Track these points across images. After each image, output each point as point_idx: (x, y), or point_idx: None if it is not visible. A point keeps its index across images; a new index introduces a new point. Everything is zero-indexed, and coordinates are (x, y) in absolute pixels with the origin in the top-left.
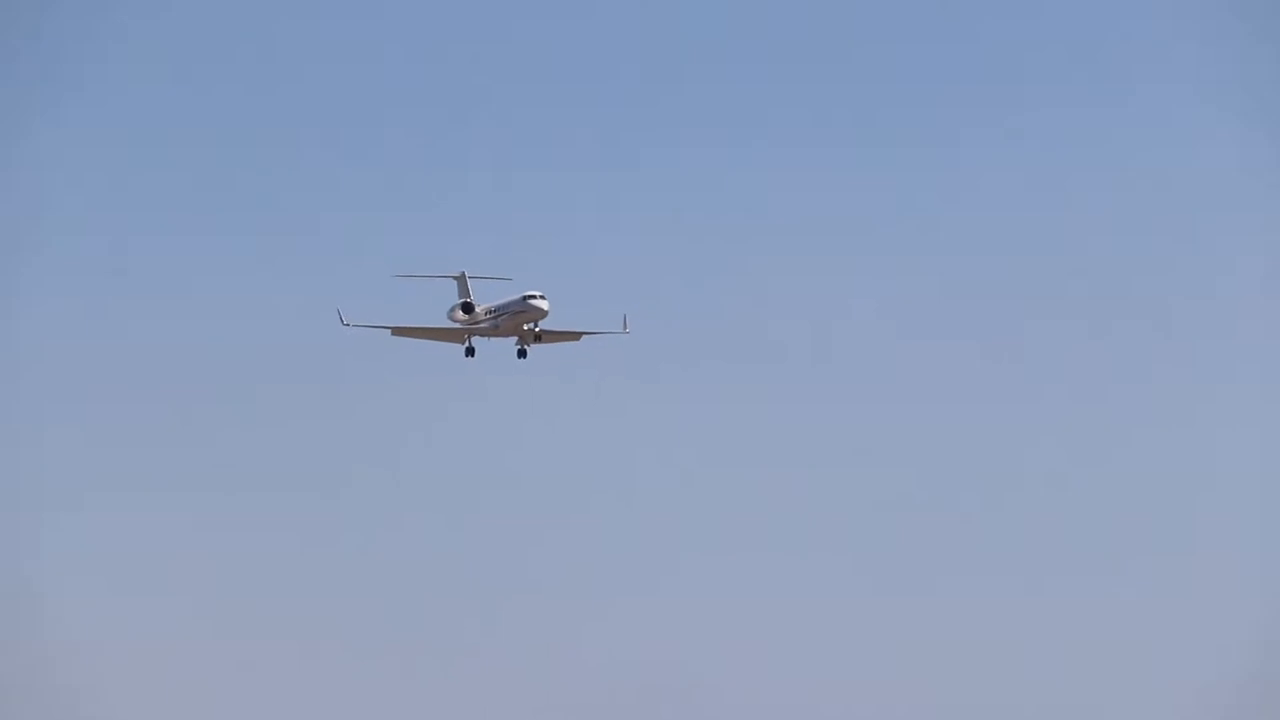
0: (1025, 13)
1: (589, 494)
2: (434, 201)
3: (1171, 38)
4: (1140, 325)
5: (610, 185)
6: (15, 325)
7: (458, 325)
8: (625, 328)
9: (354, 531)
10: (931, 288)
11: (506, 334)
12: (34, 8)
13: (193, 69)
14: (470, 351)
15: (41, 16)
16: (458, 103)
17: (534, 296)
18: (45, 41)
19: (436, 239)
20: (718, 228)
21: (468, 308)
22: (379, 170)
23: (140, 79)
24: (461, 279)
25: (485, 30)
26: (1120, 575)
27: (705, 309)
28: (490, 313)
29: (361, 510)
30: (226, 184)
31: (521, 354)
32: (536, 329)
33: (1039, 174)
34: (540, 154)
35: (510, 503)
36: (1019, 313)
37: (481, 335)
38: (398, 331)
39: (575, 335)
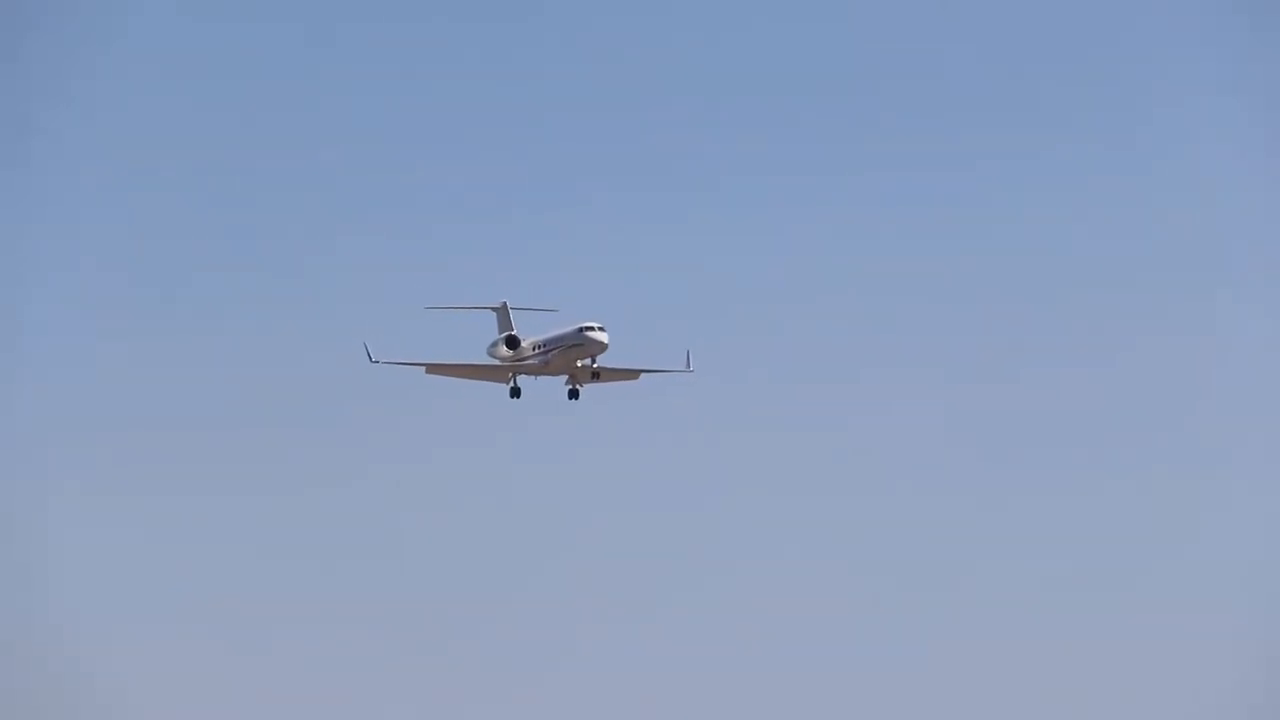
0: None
1: (657, 559)
2: (466, 228)
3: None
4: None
5: (657, 212)
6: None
7: (501, 362)
8: (689, 365)
9: (385, 598)
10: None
11: (557, 371)
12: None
13: (203, 84)
14: (516, 392)
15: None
16: (495, 122)
17: (592, 328)
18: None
19: (470, 267)
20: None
21: (512, 342)
22: (406, 194)
23: (148, 93)
24: (502, 310)
25: (516, 49)
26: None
27: (771, 343)
28: (539, 347)
29: (395, 571)
30: (237, 204)
31: (573, 394)
32: (594, 365)
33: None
34: (580, 181)
35: (565, 567)
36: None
37: (528, 373)
38: (433, 369)
39: (633, 374)
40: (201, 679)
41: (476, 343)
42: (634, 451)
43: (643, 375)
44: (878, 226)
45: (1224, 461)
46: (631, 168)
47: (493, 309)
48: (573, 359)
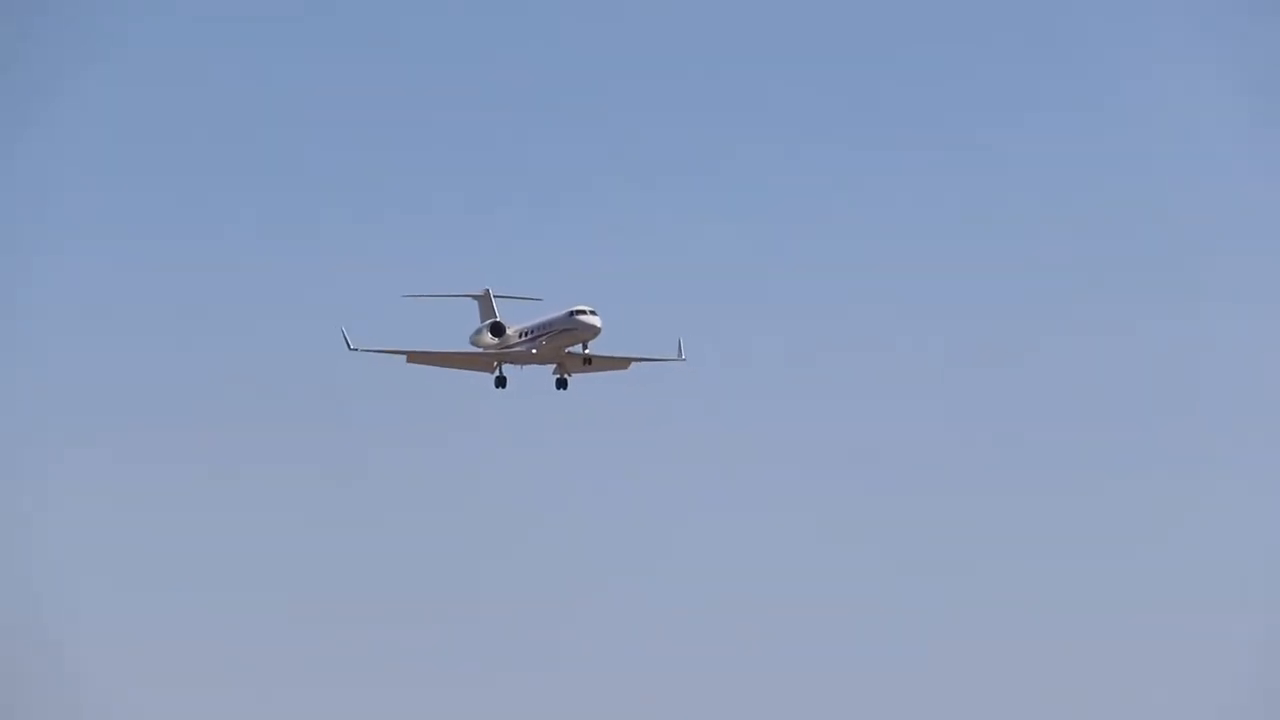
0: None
1: (648, 554)
2: (440, 213)
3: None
4: None
5: (642, 196)
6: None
7: (486, 351)
8: (681, 354)
9: (368, 593)
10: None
11: (545, 360)
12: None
13: (185, 66)
14: (501, 381)
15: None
16: (469, 104)
17: (584, 311)
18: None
19: (445, 255)
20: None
21: (497, 329)
22: (380, 176)
23: (134, 77)
24: (485, 298)
25: (499, 32)
26: None
27: (765, 329)
28: (527, 334)
29: (377, 565)
30: (213, 184)
31: (561, 384)
32: (586, 351)
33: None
34: (565, 163)
35: (555, 563)
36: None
37: (515, 362)
38: (414, 358)
39: (624, 362)
40: (190, 673)
41: (456, 332)
42: (626, 443)
43: (633, 364)
44: (875, 212)
45: (1230, 462)
46: (616, 153)
47: (474, 296)
48: (563, 345)
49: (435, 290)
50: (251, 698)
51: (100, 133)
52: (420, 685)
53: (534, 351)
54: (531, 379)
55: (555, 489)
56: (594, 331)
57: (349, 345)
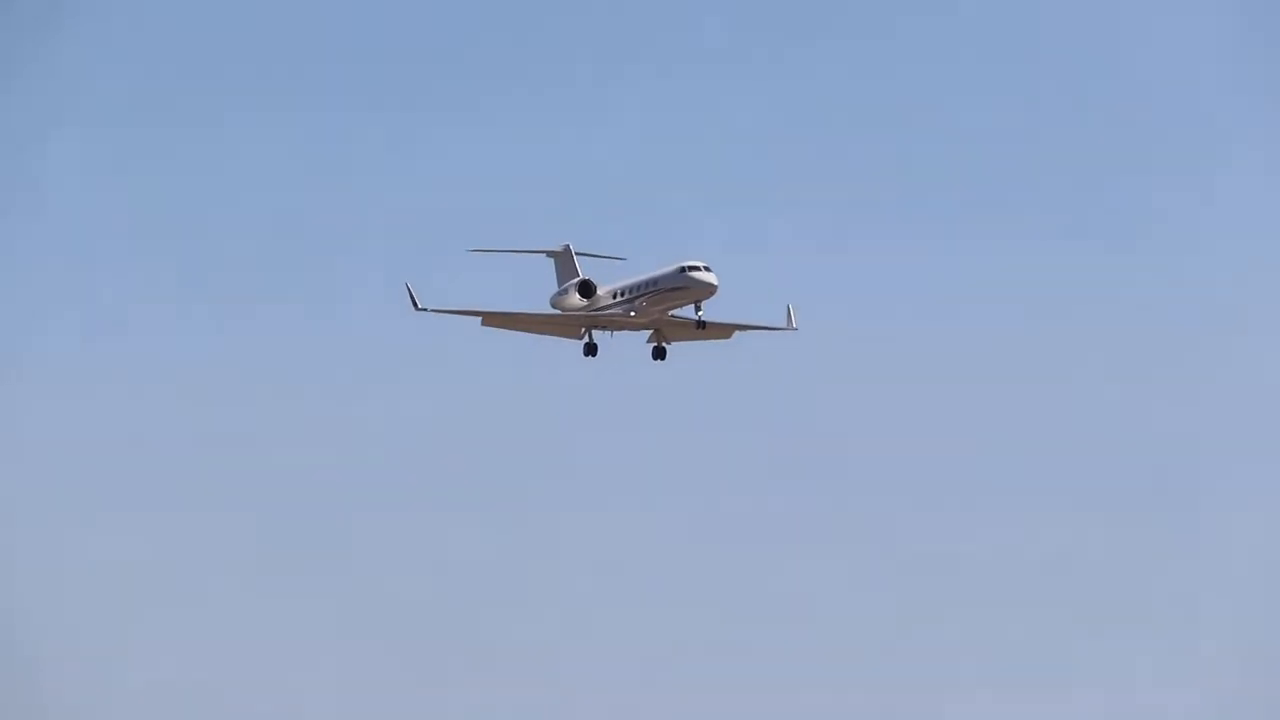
0: None
1: (771, 539)
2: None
3: None
4: None
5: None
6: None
7: (573, 313)
8: (792, 322)
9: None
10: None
11: (643, 325)
12: None
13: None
14: (591, 349)
15: None
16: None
17: (697, 268)
18: None
19: (508, 204)
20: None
21: (587, 289)
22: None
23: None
24: (564, 254)
25: None
26: None
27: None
28: (622, 294)
29: (453, 569)
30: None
31: (660, 353)
32: (700, 314)
33: None
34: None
35: (655, 551)
36: None
37: (606, 326)
38: (491, 320)
39: (727, 330)
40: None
41: (531, 294)
42: (738, 419)
43: (737, 333)
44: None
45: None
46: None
47: (551, 253)
48: (669, 307)
49: (506, 245)
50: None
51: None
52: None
53: (633, 314)
54: (624, 346)
55: (660, 473)
56: (710, 290)
57: (415, 304)
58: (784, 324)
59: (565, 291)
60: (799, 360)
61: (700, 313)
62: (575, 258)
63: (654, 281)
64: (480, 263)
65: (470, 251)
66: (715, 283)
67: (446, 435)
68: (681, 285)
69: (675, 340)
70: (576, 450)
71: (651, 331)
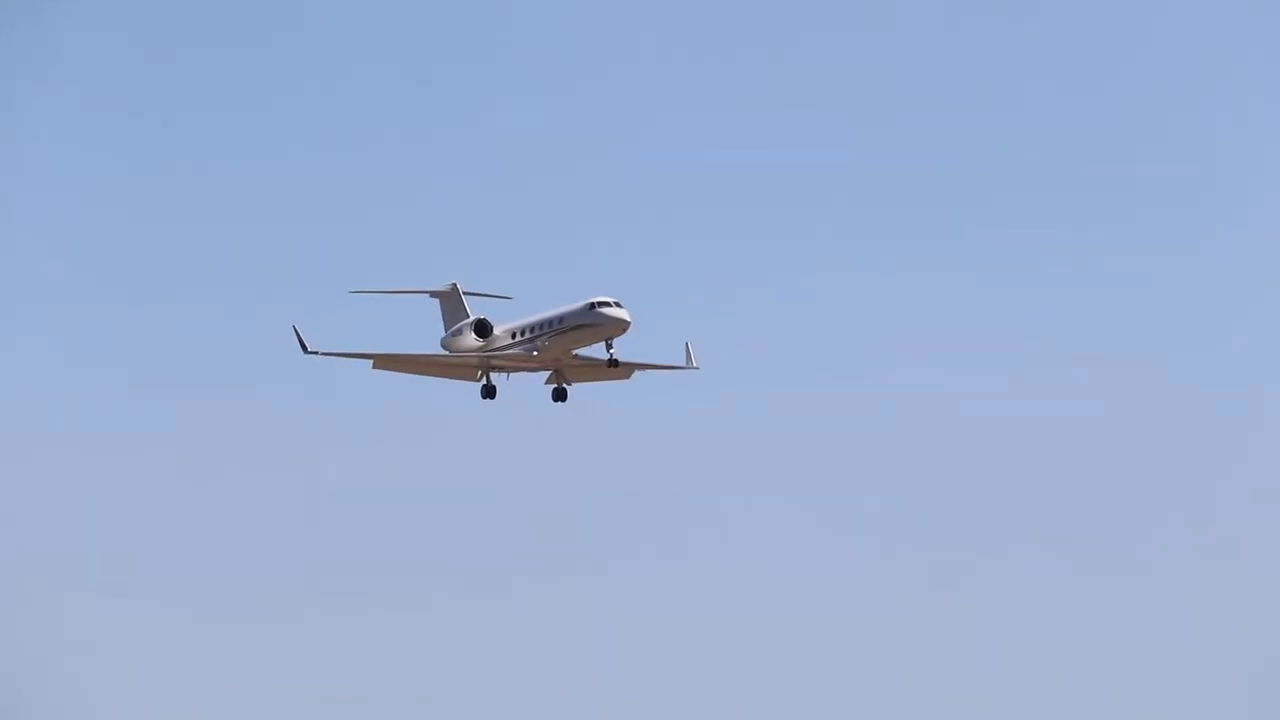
0: None
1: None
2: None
3: None
4: None
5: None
6: None
7: (469, 354)
8: (692, 361)
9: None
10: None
11: (543, 365)
12: None
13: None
14: (490, 391)
15: None
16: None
17: (607, 304)
18: None
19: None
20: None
21: (483, 329)
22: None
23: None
24: (451, 294)
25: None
26: None
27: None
28: (521, 334)
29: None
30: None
31: (560, 395)
32: (613, 352)
33: None
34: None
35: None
36: None
37: (503, 368)
38: (382, 362)
39: (627, 370)
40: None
41: (413, 336)
42: (650, 461)
43: (636, 372)
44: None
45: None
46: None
47: (436, 293)
48: (573, 346)
49: (389, 285)
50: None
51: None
52: None
53: (534, 354)
54: (522, 388)
55: (560, 513)
56: (623, 327)
57: (304, 347)
58: (684, 363)
59: (459, 332)
60: (700, 400)
61: (612, 350)
62: (464, 297)
63: (559, 319)
64: (362, 305)
65: (352, 293)
66: (628, 319)
67: (343, 484)
68: (591, 322)
69: (576, 381)
70: (480, 497)
71: (551, 373)
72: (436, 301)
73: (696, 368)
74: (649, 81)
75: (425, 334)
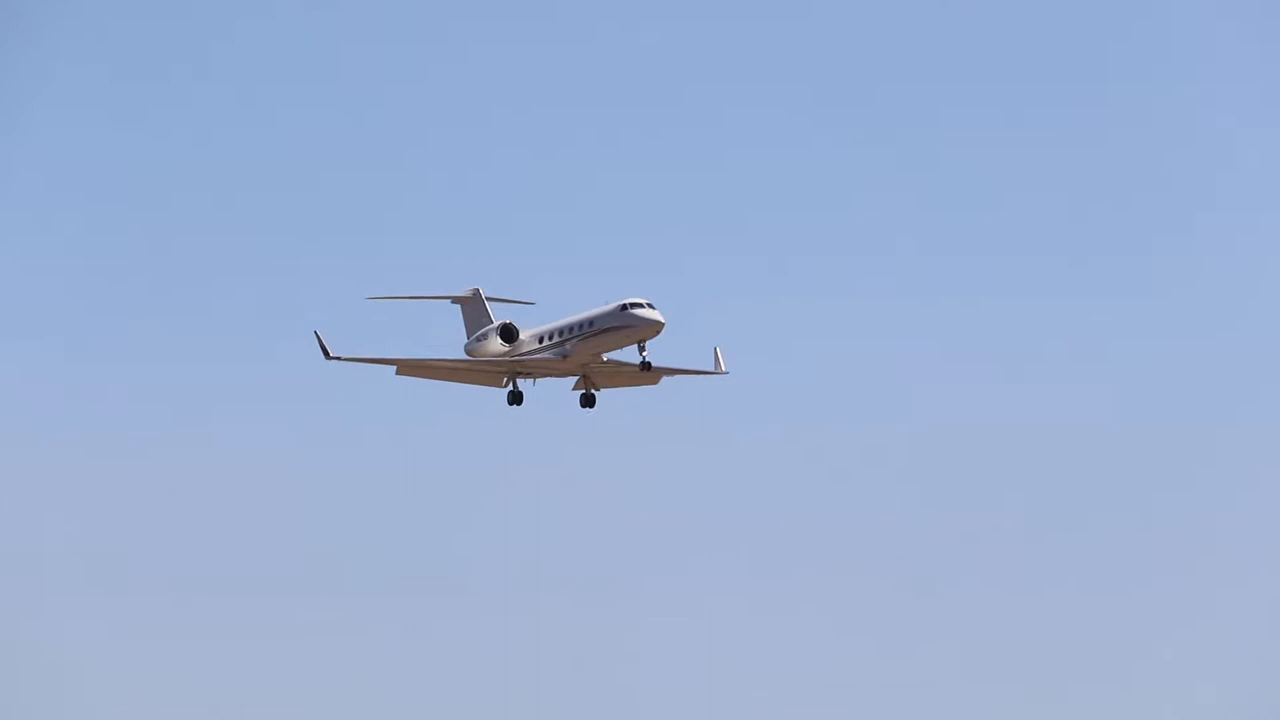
0: None
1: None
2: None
3: None
4: None
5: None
6: None
7: (494, 360)
8: (721, 365)
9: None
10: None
11: (571, 370)
12: None
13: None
14: (517, 397)
15: None
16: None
17: (640, 305)
18: None
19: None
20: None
21: (509, 334)
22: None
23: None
24: (474, 299)
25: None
26: None
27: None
28: (549, 338)
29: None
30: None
31: (588, 401)
32: (645, 355)
33: None
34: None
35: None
36: None
37: (530, 374)
38: (406, 369)
39: (655, 375)
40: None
41: (435, 344)
42: (673, 467)
43: (664, 378)
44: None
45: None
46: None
47: (457, 299)
48: (605, 349)
49: (408, 291)
50: None
51: None
52: None
53: (565, 358)
54: (549, 394)
55: (592, 525)
56: (656, 328)
57: (327, 353)
58: (712, 368)
59: (484, 337)
60: (730, 405)
61: (645, 353)
62: (487, 302)
63: (590, 322)
64: (380, 311)
65: (369, 299)
66: (662, 320)
67: (368, 490)
68: (623, 324)
69: (604, 387)
70: (514, 503)
71: (578, 378)
72: (458, 308)
73: (726, 372)
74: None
75: (445, 342)
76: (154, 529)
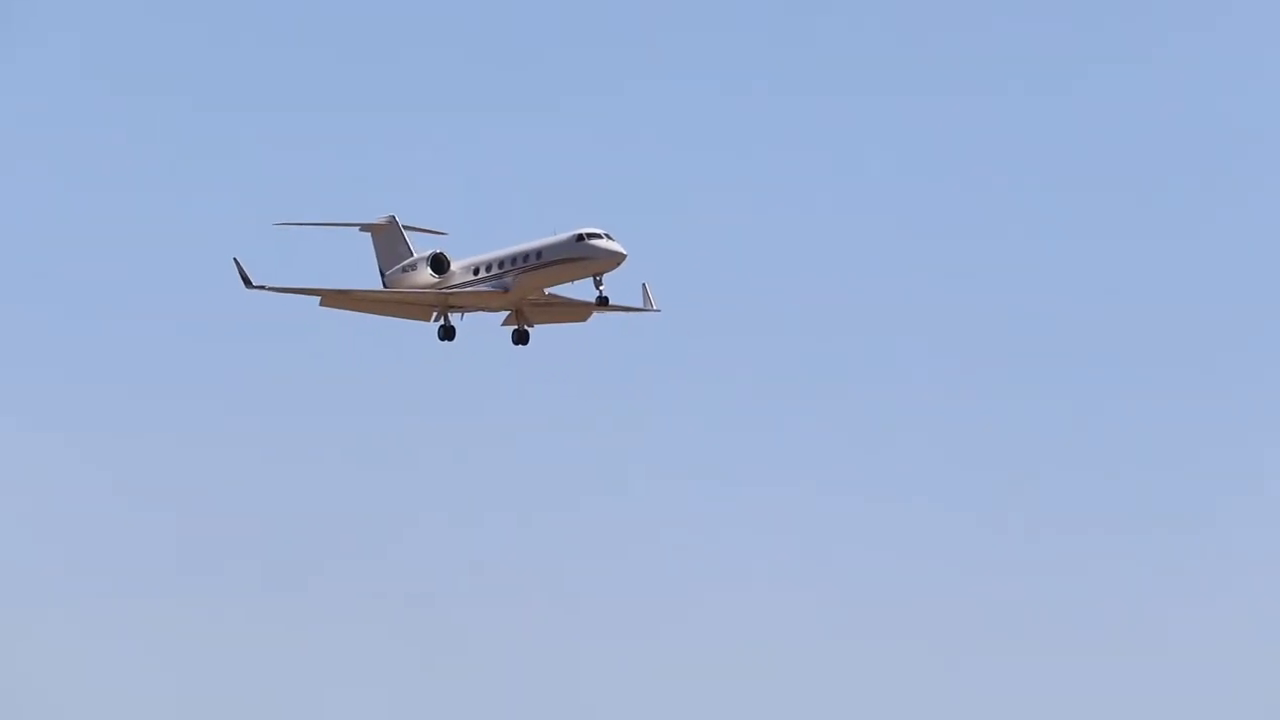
0: None
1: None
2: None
3: None
4: None
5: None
6: None
7: (425, 292)
8: (652, 302)
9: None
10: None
11: (510, 304)
12: None
13: None
14: (449, 332)
15: None
16: None
17: (597, 235)
18: None
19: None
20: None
21: (439, 264)
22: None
23: None
24: (389, 227)
25: None
26: None
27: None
28: (485, 269)
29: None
30: None
31: (521, 337)
32: (603, 289)
33: None
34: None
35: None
36: None
37: (462, 308)
38: (331, 300)
39: (582, 310)
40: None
41: (344, 274)
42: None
43: (592, 314)
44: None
45: None
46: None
47: (368, 226)
48: (556, 281)
49: (318, 218)
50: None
51: None
52: None
53: (505, 291)
54: (478, 330)
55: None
56: (617, 259)
57: (248, 282)
58: (642, 304)
59: (412, 267)
60: (663, 343)
61: (602, 288)
62: (404, 230)
63: (537, 253)
64: (287, 238)
65: (276, 225)
66: (623, 251)
67: (301, 427)
68: (580, 256)
69: (537, 323)
70: (448, 443)
71: (508, 314)
72: (368, 236)
73: (657, 310)
74: None
75: (355, 272)
76: (66, 479)
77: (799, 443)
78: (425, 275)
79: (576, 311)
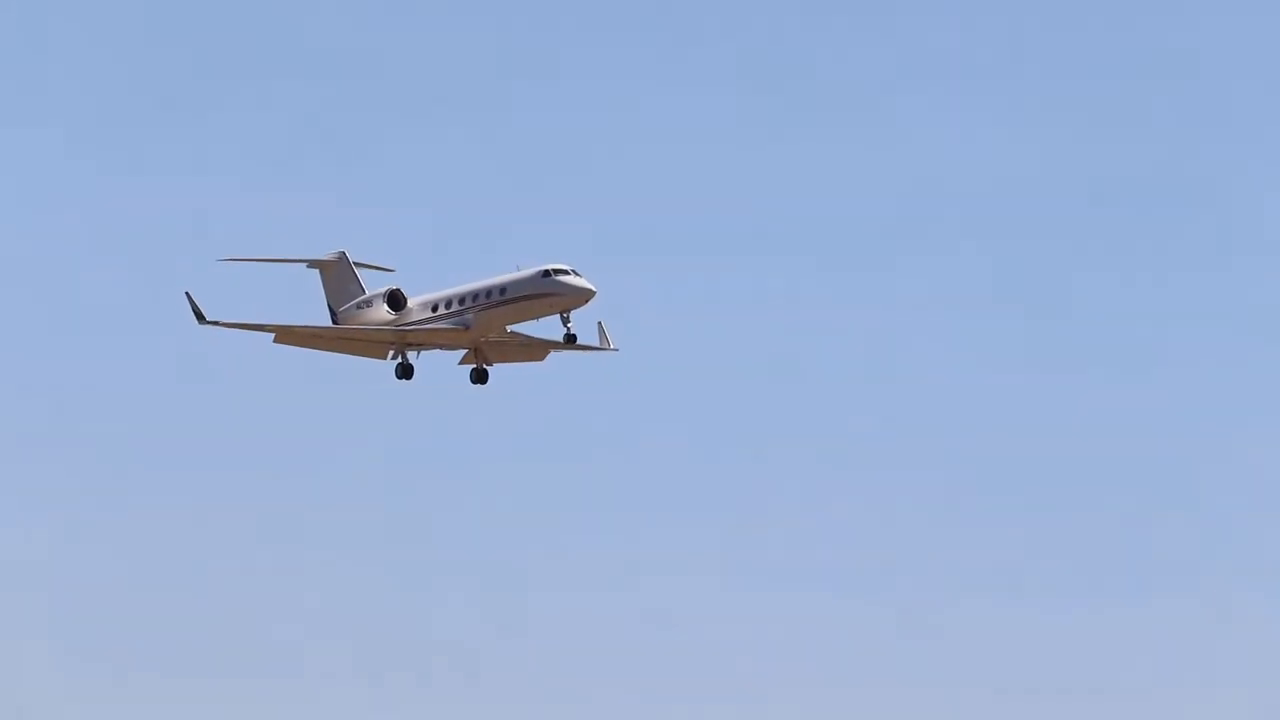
0: None
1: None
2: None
3: None
4: None
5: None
6: None
7: (382, 330)
8: (608, 341)
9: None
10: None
11: (469, 342)
12: None
13: None
14: (406, 370)
15: None
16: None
17: (564, 271)
18: None
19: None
20: None
21: (395, 300)
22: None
23: None
24: (340, 264)
25: None
26: None
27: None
28: (443, 306)
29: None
30: None
31: (480, 376)
32: (570, 327)
33: None
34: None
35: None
36: None
37: (418, 345)
38: (286, 336)
39: (540, 350)
40: None
41: (293, 308)
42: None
43: (549, 354)
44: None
45: None
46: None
47: (315, 263)
48: (519, 319)
49: (262, 254)
50: None
51: None
52: None
53: (466, 329)
54: (435, 368)
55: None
56: (586, 296)
57: (201, 317)
58: (599, 344)
59: (367, 304)
60: (620, 382)
61: (570, 325)
62: (355, 267)
63: (500, 289)
64: (232, 274)
65: (220, 261)
66: (592, 288)
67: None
68: (547, 292)
69: (496, 361)
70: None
71: (466, 352)
72: (315, 273)
73: (615, 349)
74: None
75: (302, 309)
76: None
77: (751, 487)
78: (381, 312)
79: (534, 351)
